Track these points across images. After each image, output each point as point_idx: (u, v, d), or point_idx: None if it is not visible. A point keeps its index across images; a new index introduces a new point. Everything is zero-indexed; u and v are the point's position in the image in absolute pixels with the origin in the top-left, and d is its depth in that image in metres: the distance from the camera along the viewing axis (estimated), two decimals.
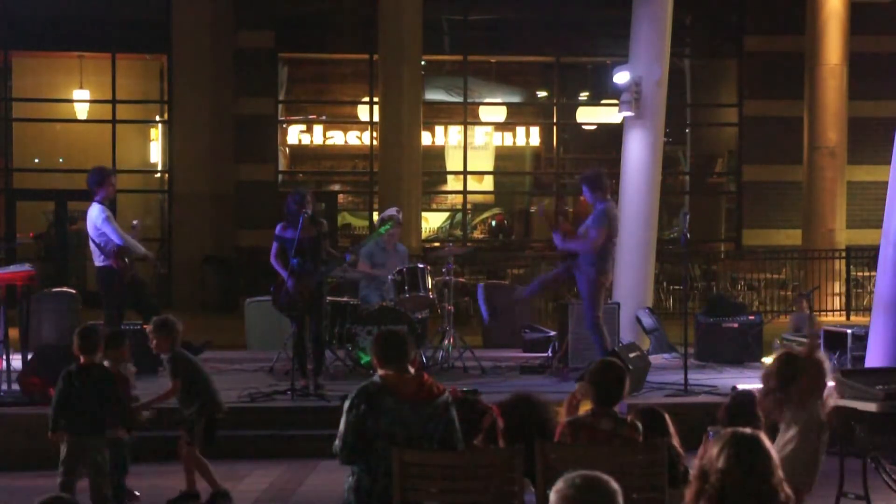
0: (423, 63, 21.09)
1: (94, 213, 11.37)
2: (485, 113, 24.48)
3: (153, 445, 8.89)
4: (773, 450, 4.20)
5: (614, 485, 3.62)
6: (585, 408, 6.13)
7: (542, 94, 25.24)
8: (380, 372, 5.75)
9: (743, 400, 6.10)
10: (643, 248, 14.25)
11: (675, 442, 5.88)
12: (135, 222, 12.13)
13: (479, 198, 25.15)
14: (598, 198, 11.27)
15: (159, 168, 23.39)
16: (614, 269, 12.23)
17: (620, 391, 5.88)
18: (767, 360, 12.51)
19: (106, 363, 7.80)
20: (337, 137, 24.24)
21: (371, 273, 12.42)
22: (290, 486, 8.76)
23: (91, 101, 23.39)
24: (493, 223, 25.07)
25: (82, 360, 7.59)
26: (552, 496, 3.62)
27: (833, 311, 19.34)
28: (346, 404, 5.67)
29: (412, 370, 5.78)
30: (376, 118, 21.37)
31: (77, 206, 23.22)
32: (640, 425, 5.78)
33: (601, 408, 5.83)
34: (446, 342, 12.27)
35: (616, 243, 11.65)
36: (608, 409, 5.82)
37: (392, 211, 12.79)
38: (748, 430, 4.23)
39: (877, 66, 22.25)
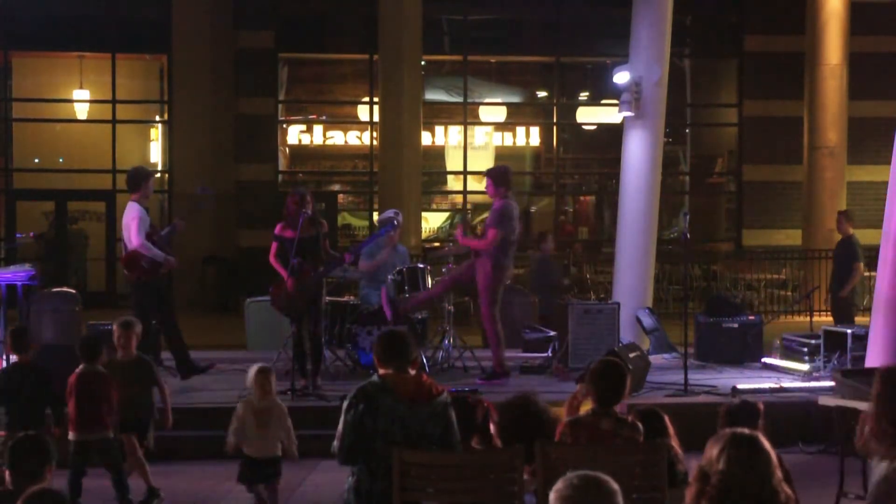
0: (423, 63, 21.09)
1: (126, 212, 11.41)
2: (485, 113, 24.48)
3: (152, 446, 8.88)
4: (773, 450, 4.20)
5: (613, 485, 3.62)
6: (586, 408, 6.13)
7: (542, 94, 25.24)
8: (380, 371, 5.75)
9: (739, 413, 6.00)
10: (643, 248, 14.24)
11: (675, 443, 5.87)
12: (176, 221, 12.37)
13: (479, 198, 25.11)
14: (500, 194, 11.40)
15: (159, 168, 23.38)
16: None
17: (621, 391, 5.88)
18: (767, 359, 12.56)
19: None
20: (337, 137, 24.24)
21: (374, 265, 12.40)
22: (290, 486, 8.74)
23: (91, 101, 23.40)
24: None
25: (16, 358, 7.93)
26: (551, 496, 3.62)
27: None
28: (345, 404, 5.67)
29: (412, 371, 5.78)
30: (376, 118, 21.37)
31: (77, 206, 23.30)
32: (640, 426, 5.78)
33: (602, 408, 5.83)
34: (446, 342, 12.27)
35: (514, 241, 11.60)
36: (609, 410, 5.82)
37: (390, 213, 12.80)
38: (747, 431, 4.23)
39: (877, 66, 22.25)
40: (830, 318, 14.60)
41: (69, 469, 7.64)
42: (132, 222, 11.19)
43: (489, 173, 11.86)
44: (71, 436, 7.77)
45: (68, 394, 7.79)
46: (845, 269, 14.29)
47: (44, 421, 7.75)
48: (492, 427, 5.99)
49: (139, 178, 11.53)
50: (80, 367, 7.86)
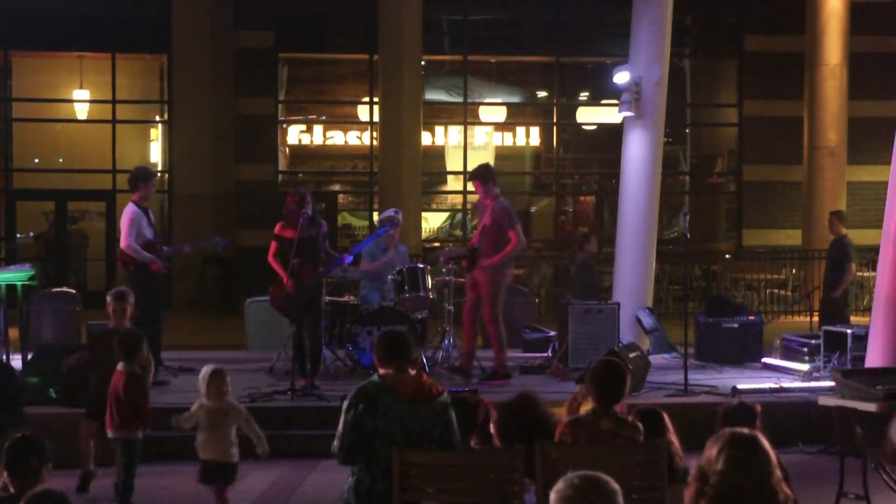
0: (423, 63, 21.09)
1: (123, 212, 11.53)
2: (485, 113, 24.48)
3: (153, 446, 8.89)
4: (772, 450, 4.20)
5: (614, 485, 3.62)
6: (586, 409, 6.13)
7: (542, 94, 25.24)
8: (380, 371, 5.75)
9: (737, 414, 5.99)
10: (643, 248, 14.24)
11: (674, 440, 5.87)
12: (186, 245, 12.93)
13: (478, 198, 25.13)
14: (493, 193, 11.54)
15: (159, 168, 23.37)
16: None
17: (621, 391, 5.88)
18: (767, 359, 12.56)
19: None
20: (337, 137, 24.24)
21: (374, 268, 12.40)
22: (290, 486, 8.76)
23: (91, 101, 23.40)
24: None
25: None
26: (552, 496, 3.62)
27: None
28: (345, 404, 5.67)
29: (412, 371, 5.78)
30: (376, 118, 21.37)
31: (77, 206, 23.31)
32: (640, 426, 5.77)
33: (602, 408, 5.83)
34: (446, 342, 12.27)
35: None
36: (609, 409, 5.81)
37: (391, 212, 12.80)
38: (746, 431, 4.23)
39: (877, 66, 22.25)
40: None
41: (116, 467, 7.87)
42: (124, 223, 11.33)
43: (474, 176, 11.92)
44: (110, 433, 7.91)
45: (108, 391, 7.95)
46: (838, 269, 14.26)
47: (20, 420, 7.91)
48: (491, 427, 5.99)
49: (138, 178, 11.62)
50: (119, 365, 7.99)
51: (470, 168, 23.66)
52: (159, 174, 23.13)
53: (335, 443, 5.67)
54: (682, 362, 11.14)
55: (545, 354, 12.78)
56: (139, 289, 11.24)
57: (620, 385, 5.88)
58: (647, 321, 13.71)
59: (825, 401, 8.19)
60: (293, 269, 10.61)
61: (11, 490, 4.52)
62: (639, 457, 5.61)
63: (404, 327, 11.16)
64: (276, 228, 10.98)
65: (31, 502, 4.03)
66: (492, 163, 24.36)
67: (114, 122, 22.95)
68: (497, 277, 11.35)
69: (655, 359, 12.54)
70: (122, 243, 11.31)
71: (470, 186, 23.68)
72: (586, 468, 3.72)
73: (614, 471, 3.98)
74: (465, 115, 23.87)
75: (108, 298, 8.70)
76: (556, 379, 11.69)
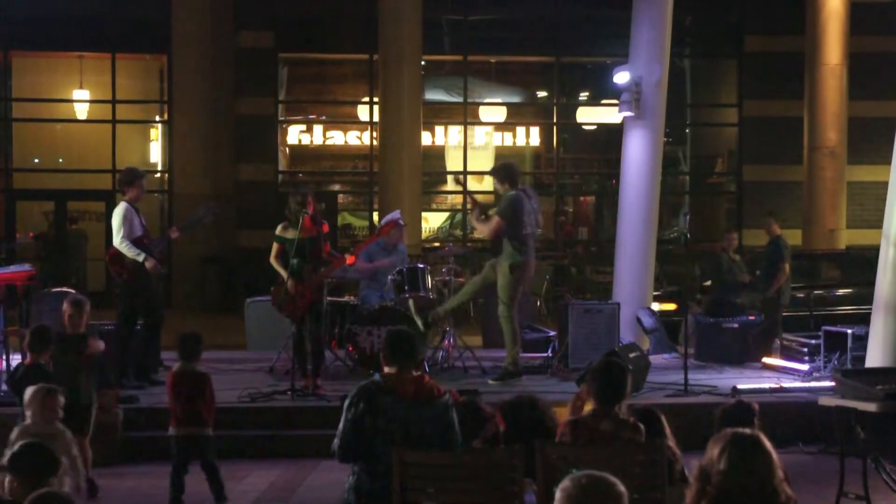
0: (423, 63, 21.09)
1: (115, 210, 11.53)
2: (485, 113, 24.48)
3: (152, 446, 8.90)
4: (774, 450, 4.20)
5: (621, 487, 3.61)
6: (589, 408, 6.12)
7: (542, 94, 25.25)
8: (384, 370, 5.75)
9: (735, 414, 5.98)
10: (643, 248, 14.24)
11: (672, 442, 5.87)
12: (171, 232, 12.28)
13: (479, 198, 25.09)
14: (507, 190, 11.43)
15: (159, 168, 23.40)
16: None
17: (622, 392, 5.86)
18: (767, 359, 12.56)
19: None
20: (337, 137, 24.25)
21: (374, 267, 12.40)
22: (290, 486, 8.75)
23: (91, 101, 23.41)
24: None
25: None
26: (558, 494, 3.61)
27: None
28: (346, 403, 5.67)
29: (416, 371, 5.78)
30: (376, 118, 21.37)
31: (77, 206, 23.31)
32: (641, 426, 5.76)
33: (602, 409, 5.82)
34: (446, 342, 12.27)
35: (529, 234, 11.57)
36: (609, 411, 5.80)
37: (395, 214, 12.83)
38: (748, 431, 4.23)
39: (877, 66, 22.25)
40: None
41: (171, 465, 7.81)
42: (115, 221, 11.38)
43: (491, 172, 11.88)
44: (171, 431, 7.89)
45: (168, 390, 7.95)
46: (773, 269, 14.47)
47: None
48: (499, 444, 5.98)
49: (126, 179, 11.65)
50: (179, 364, 8.01)
51: (470, 168, 23.77)
52: (159, 174, 23.22)
53: (335, 441, 5.68)
54: (682, 362, 11.14)
55: (545, 354, 12.77)
56: (135, 297, 11.26)
57: (621, 386, 5.86)
58: (647, 321, 13.71)
59: (825, 401, 8.18)
60: (293, 269, 10.61)
61: (10, 497, 4.49)
62: (639, 457, 5.61)
63: (404, 327, 11.16)
64: (278, 229, 10.98)
65: (35, 503, 4.02)
66: (492, 163, 24.47)
67: (114, 122, 22.96)
68: (513, 273, 11.24)
69: (655, 359, 12.53)
70: (114, 240, 11.32)
71: (470, 186, 23.95)
72: (586, 468, 3.72)
73: (614, 470, 3.97)
74: (465, 115, 23.88)
75: (65, 305, 8.61)
76: (556, 379, 11.68)
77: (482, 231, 11.90)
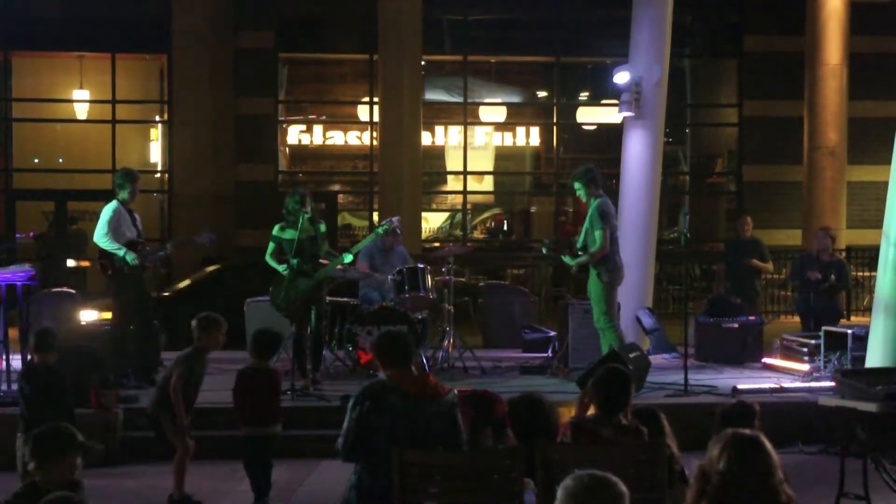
0: (423, 63, 21.09)
1: (105, 207, 11.59)
2: (485, 113, 24.48)
3: (153, 446, 8.90)
4: (774, 451, 4.20)
5: (622, 487, 3.62)
6: (593, 410, 6.11)
7: (542, 94, 25.24)
8: (385, 372, 5.76)
9: (735, 414, 5.98)
10: (643, 248, 14.24)
11: (671, 442, 5.87)
12: (169, 246, 12.36)
13: (479, 198, 25.16)
14: (593, 194, 11.47)
15: (159, 168, 23.38)
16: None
17: (625, 400, 5.85)
18: (767, 359, 12.56)
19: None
20: (337, 137, 24.25)
21: (370, 274, 12.41)
22: (290, 486, 8.76)
23: (91, 101, 23.40)
24: (493, 223, 25.08)
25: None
26: (560, 492, 3.62)
27: None
28: (351, 402, 5.68)
29: (415, 370, 5.79)
30: (376, 118, 21.36)
31: (77, 206, 23.29)
32: (644, 431, 5.75)
33: (605, 416, 5.80)
34: (446, 342, 12.27)
35: (617, 238, 11.67)
36: (611, 418, 5.78)
37: (394, 221, 12.85)
38: (748, 431, 4.24)
39: (877, 66, 22.24)
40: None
41: (244, 464, 7.87)
42: (102, 217, 11.42)
43: (576, 178, 11.79)
44: (242, 431, 7.94)
45: (237, 389, 8.01)
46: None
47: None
48: (508, 425, 5.98)
49: (119, 180, 11.74)
50: (250, 362, 8.14)
51: (470, 168, 23.77)
52: (159, 174, 23.21)
53: (339, 440, 5.68)
54: (682, 362, 11.14)
55: (545, 354, 12.78)
56: (121, 292, 11.24)
57: (624, 395, 5.86)
58: (647, 321, 13.72)
59: (825, 401, 8.19)
60: (292, 269, 10.62)
61: (34, 477, 4.46)
62: (639, 456, 5.61)
63: (404, 327, 11.17)
64: (275, 229, 10.99)
65: None
66: (492, 163, 24.54)
67: (114, 122, 22.95)
68: (609, 279, 11.18)
69: (655, 359, 12.54)
70: (96, 234, 11.35)
71: (470, 186, 23.97)
72: (586, 468, 3.72)
73: (614, 470, 3.98)
74: (465, 115, 23.87)
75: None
76: (556, 379, 11.68)
77: (593, 258, 11.27)
